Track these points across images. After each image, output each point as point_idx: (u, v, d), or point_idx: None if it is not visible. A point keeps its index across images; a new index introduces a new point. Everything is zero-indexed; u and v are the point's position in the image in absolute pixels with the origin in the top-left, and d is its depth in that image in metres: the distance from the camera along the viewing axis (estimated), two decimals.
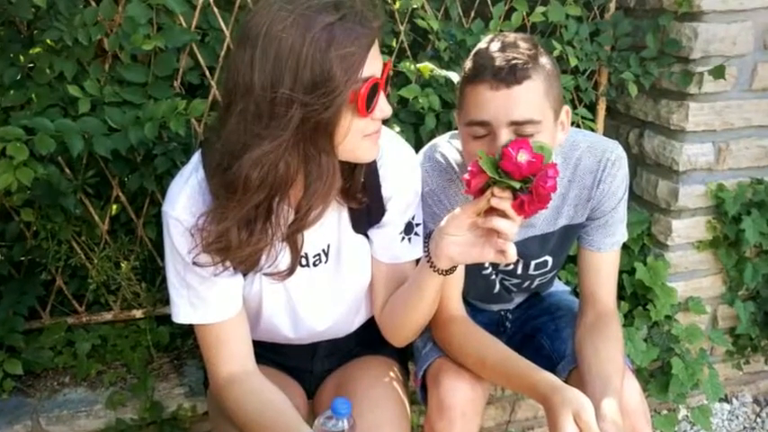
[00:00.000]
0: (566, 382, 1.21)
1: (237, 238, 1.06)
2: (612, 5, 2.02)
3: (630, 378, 1.34)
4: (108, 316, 1.87)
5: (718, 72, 1.84)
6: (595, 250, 1.43)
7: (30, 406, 1.72)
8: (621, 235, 1.44)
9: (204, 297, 1.17)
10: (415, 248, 1.31)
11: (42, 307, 1.82)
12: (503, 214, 1.06)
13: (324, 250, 1.26)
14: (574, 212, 1.42)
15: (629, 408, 1.28)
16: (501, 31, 1.84)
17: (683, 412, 2.21)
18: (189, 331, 1.90)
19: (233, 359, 1.22)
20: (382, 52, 1.11)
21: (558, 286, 1.74)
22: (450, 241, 1.14)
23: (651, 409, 1.97)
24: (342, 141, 1.04)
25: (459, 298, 1.41)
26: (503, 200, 1.05)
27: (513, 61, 1.15)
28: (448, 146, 1.38)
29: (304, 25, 0.96)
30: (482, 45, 1.22)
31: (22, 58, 1.58)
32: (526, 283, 1.55)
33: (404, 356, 1.54)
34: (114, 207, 1.81)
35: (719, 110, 1.93)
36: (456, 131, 1.36)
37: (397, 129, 1.78)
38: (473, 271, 1.43)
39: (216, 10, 1.68)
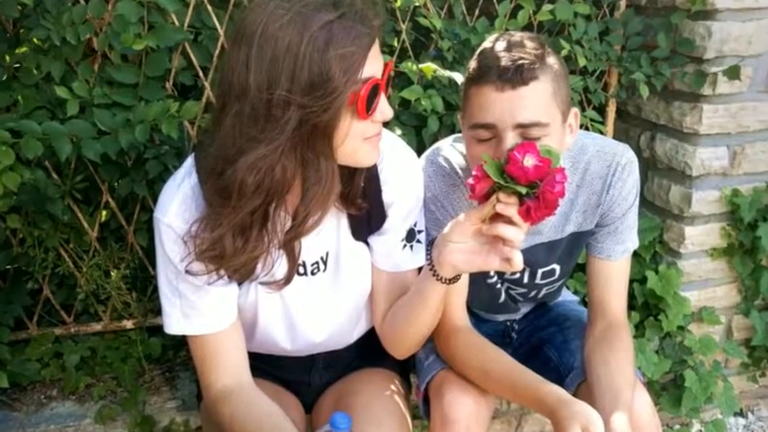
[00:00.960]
0: (574, 395, 1.19)
1: (232, 245, 1.05)
2: (623, 3, 2.02)
3: (641, 391, 1.32)
4: (97, 327, 1.86)
5: (733, 72, 1.83)
6: (605, 258, 1.41)
7: (16, 420, 1.71)
8: (632, 242, 1.43)
9: (198, 307, 1.16)
10: (417, 256, 1.30)
11: (29, 317, 1.81)
12: (508, 221, 1.05)
13: (322, 258, 1.25)
14: (582, 219, 1.40)
15: (640, 422, 1.26)
16: (506, 29, 1.84)
17: (696, 427, 2.20)
18: (181, 342, 1.90)
19: (227, 372, 1.21)
20: (383, 52, 1.11)
21: (567, 296, 1.73)
22: (454, 249, 1.12)
23: (663, 423, 1.96)
24: (341, 144, 1.03)
25: (463, 308, 1.40)
26: (508, 206, 1.04)
27: (520, 61, 1.13)
28: (451, 149, 1.37)
29: (301, 24, 0.95)
30: (487, 44, 1.22)
31: (7, 58, 1.57)
32: (533, 293, 1.53)
33: (405, 369, 1.53)
34: (104, 213, 1.81)
35: (734, 112, 1.92)
36: (460, 134, 1.35)
37: (399, 132, 1.77)
38: (478, 280, 1.42)
39: (210, 8, 1.67)
